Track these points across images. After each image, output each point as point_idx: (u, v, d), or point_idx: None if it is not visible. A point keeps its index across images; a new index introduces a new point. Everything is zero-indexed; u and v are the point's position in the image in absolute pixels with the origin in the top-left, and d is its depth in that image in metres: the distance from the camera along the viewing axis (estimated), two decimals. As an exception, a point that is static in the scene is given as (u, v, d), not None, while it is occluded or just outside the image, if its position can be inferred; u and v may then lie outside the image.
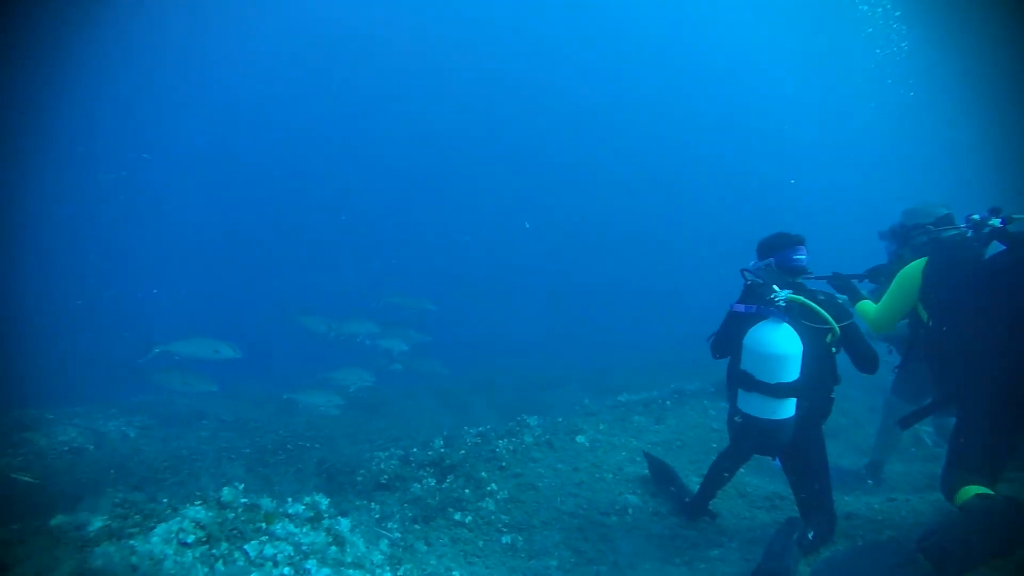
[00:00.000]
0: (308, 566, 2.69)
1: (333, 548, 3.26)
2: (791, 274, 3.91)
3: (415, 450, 5.99)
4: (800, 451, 3.80)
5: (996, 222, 3.80)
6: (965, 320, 3.71)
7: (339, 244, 26.33)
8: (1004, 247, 3.67)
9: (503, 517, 4.63)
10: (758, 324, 3.56)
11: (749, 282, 3.92)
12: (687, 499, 4.67)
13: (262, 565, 2.65)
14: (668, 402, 7.56)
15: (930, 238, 4.35)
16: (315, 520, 3.43)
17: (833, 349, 3.73)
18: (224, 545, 2.81)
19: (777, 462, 5.63)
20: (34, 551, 2.56)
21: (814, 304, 3.57)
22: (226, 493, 3.31)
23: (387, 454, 6.03)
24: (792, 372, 3.43)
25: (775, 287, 3.62)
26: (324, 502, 3.61)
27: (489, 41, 35.25)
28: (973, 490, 3.28)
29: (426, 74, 34.49)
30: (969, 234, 4.00)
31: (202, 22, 27.12)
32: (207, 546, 2.75)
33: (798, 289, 3.76)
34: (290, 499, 3.58)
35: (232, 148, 29.71)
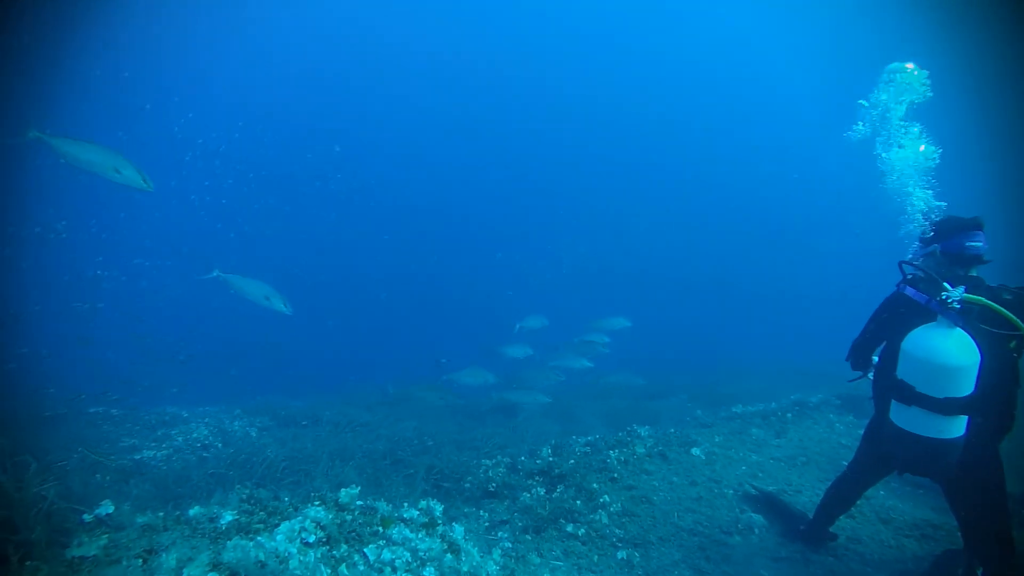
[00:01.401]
0: (426, 574, 2.64)
1: (449, 556, 3.21)
2: (962, 265, 3.22)
3: (523, 458, 5.90)
4: (970, 473, 3.16)
5: None
6: None
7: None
8: None
9: (617, 531, 4.42)
10: (924, 326, 2.97)
11: (910, 276, 3.28)
12: (802, 526, 4.23)
13: (381, 570, 2.64)
14: (789, 415, 7.02)
15: None
16: (429, 526, 3.40)
17: (1015, 355, 3.06)
18: (344, 547, 2.82)
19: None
20: (176, 539, 2.70)
21: (999, 306, 2.92)
22: (344, 495, 3.36)
23: (494, 462, 6.00)
24: (966, 386, 2.85)
25: (946, 285, 2.99)
26: (438, 508, 3.58)
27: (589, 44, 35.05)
28: None
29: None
30: None
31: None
32: (327, 547, 2.77)
33: (974, 286, 3.11)
34: (405, 504, 3.59)
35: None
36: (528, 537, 4.45)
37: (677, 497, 4.84)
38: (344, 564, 2.53)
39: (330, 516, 3.08)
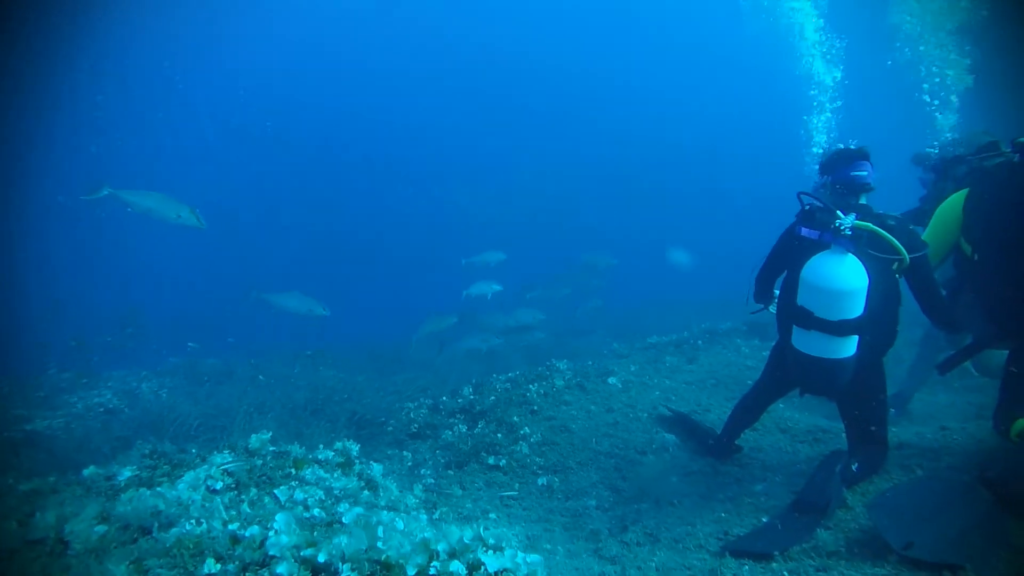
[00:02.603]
0: (340, 509, 2.59)
1: (366, 492, 3.19)
2: (853, 193, 3.43)
3: (444, 398, 5.93)
4: (858, 386, 3.44)
5: None
6: (1015, 250, 3.39)
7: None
8: None
9: (538, 459, 4.54)
10: (819, 255, 3.14)
11: (807, 206, 3.42)
12: (711, 441, 4.49)
13: (292, 509, 2.56)
14: (700, 342, 7.37)
15: (971, 168, 4.02)
16: (346, 465, 3.35)
17: (897, 277, 3.31)
18: (253, 491, 2.73)
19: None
20: (65, 499, 2.52)
21: (884, 232, 3.13)
22: (254, 440, 3.24)
23: (416, 404, 6.01)
24: (856, 308, 3.05)
25: (839, 213, 3.17)
26: (355, 448, 3.53)
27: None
28: None
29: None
30: (1016, 159, 3.65)
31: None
32: (236, 492, 2.68)
33: (864, 213, 3.30)
34: (321, 445, 3.51)
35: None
36: (451, 472, 4.49)
37: (595, 424, 5.00)
38: (247, 503, 2.45)
39: (239, 463, 2.97)
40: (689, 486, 4.11)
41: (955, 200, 3.73)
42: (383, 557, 1.60)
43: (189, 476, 2.70)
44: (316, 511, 2.39)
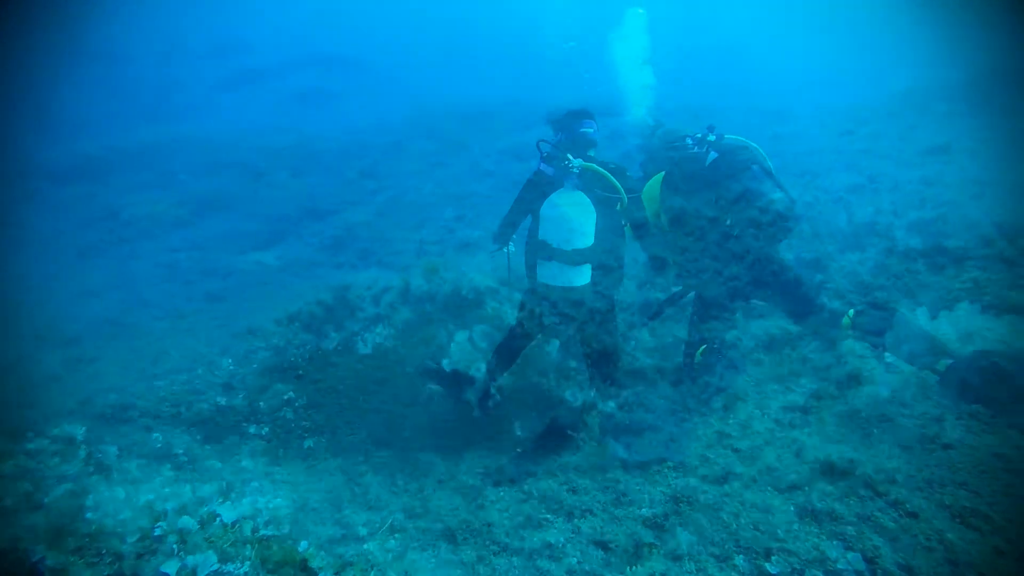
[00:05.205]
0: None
1: (95, 477, 2.83)
2: (582, 147, 4.00)
3: (200, 371, 5.46)
4: (595, 316, 3.97)
5: (712, 137, 4.44)
6: (687, 219, 4.30)
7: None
8: (716, 155, 4.30)
9: (304, 423, 4.43)
10: (554, 193, 3.67)
11: (545, 154, 3.95)
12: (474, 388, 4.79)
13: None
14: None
15: (667, 156, 4.93)
16: (66, 452, 2.94)
17: (622, 218, 3.95)
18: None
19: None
20: None
21: (605, 172, 3.75)
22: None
23: (168, 382, 5.43)
24: (587, 239, 3.62)
25: (569, 156, 3.72)
26: (80, 431, 3.12)
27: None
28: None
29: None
30: (695, 149, 4.60)
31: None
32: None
33: (590, 160, 3.89)
34: (30, 434, 3.02)
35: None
36: (208, 448, 4.19)
37: (362, 383, 5.02)
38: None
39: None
40: (454, 431, 4.35)
41: (656, 179, 4.56)
42: (92, 528, 1.46)
43: None
44: (9, 502, 2.07)
